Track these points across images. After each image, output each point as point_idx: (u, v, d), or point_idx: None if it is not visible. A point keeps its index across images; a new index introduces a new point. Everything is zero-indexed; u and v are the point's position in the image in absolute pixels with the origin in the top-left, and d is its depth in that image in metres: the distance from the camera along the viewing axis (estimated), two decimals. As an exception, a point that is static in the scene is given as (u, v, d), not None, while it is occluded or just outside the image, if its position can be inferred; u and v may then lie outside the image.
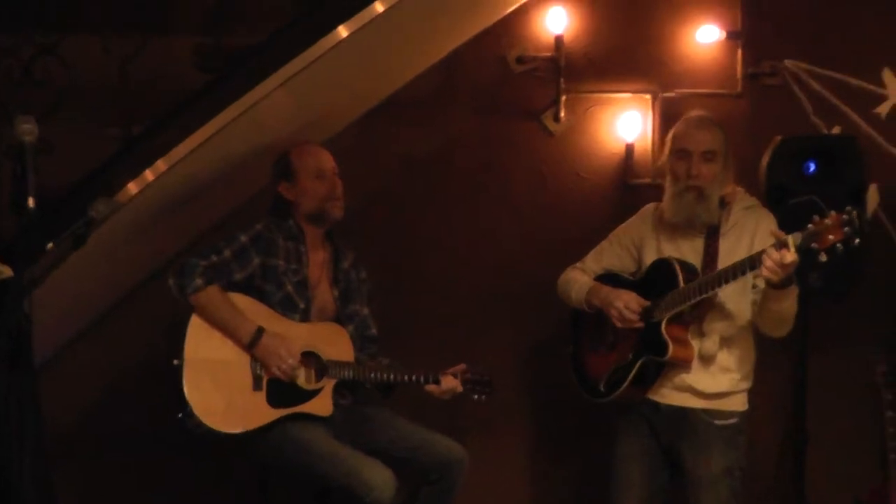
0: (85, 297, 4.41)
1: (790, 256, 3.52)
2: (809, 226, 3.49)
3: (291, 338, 3.89)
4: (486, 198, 4.90)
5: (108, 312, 4.74)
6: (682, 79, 4.87)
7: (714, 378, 3.92)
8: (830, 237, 3.44)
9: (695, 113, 4.11)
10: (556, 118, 4.85)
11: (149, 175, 3.64)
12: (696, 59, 4.88)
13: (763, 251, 3.59)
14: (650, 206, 4.14)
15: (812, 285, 4.29)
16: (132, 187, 3.67)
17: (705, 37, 4.84)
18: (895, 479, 4.43)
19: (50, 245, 3.18)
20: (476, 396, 4.12)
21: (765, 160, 4.43)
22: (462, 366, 4.09)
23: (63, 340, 4.61)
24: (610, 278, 4.08)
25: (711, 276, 3.79)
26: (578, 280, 4.11)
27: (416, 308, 4.79)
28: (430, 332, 4.76)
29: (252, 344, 3.84)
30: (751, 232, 3.93)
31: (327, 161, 4.08)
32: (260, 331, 3.84)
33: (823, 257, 3.48)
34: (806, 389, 4.56)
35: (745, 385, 4.00)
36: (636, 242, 4.09)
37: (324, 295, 4.08)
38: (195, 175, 3.97)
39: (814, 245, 3.47)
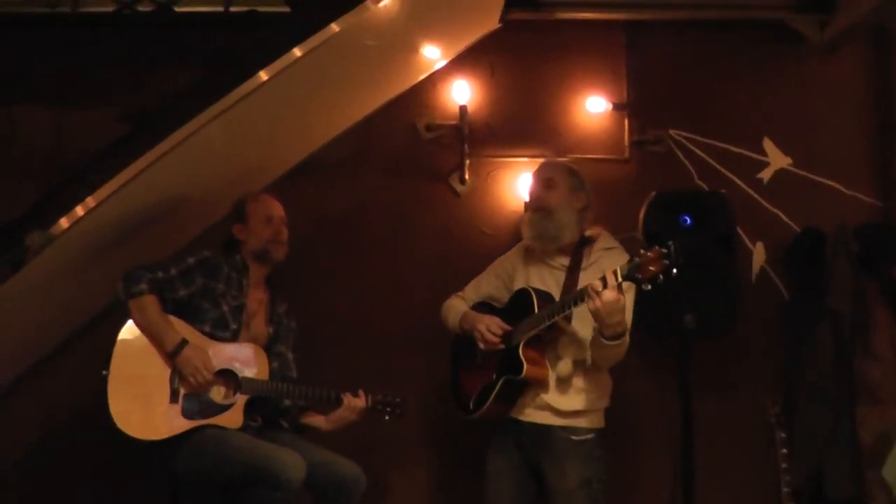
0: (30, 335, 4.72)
1: (609, 294, 3.83)
2: (635, 258, 3.82)
3: (211, 355, 4.19)
4: (397, 252, 5.24)
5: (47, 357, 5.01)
6: (574, 145, 5.28)
7: (569, 398, 4.23)
8: (651, 269, 3.75)
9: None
10: (462, 180, 5.25)
11: (79, 211, 4.02)
12: (586, 128, 5.30)
13: (590, 285, 3.93)
14: (523, 242, 4.47)
15: (686, 327, 4.73)
16: (64, 222, 4.04)
17: (594, 107, 5.28)
18: (787, 510, 4.78)
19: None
20: (387, 417, 4.44)
21: (642, 212, 4.84)
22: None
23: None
24: (482, 306, 4.44)
25: (555, 304, 4.14)
26: (455, 307, 4.50)
27: (331, 352, 5.04)
28: (342, 375, 4.89)
29: (175, 353, 4.15)
30: (607, 269, 4.18)
31: (277, 210, 4.49)
32: (184, 342, 4.16)
33: (647, 286, 3.79)
34: (692, 429, 4.82)
35: (602, 404, 4.32)
36: (509, 273, 4.45)
37: (258, 327, 4.42)
38: (124, 214, 4.34)
39: (637, 275, 3.79)
